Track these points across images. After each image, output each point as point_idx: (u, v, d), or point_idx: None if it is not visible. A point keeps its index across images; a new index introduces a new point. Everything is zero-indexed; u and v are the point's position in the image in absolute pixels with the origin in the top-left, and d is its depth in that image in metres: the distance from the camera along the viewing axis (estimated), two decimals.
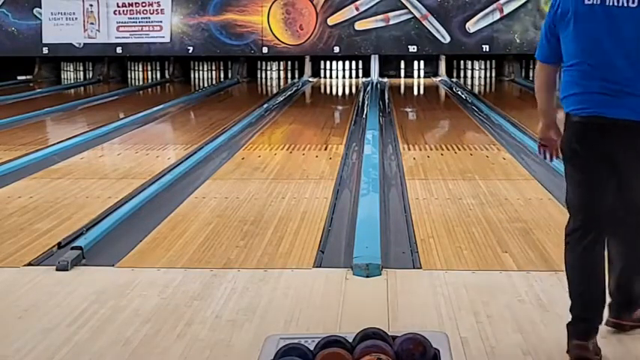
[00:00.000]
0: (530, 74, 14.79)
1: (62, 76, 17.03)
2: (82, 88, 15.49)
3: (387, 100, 12.36)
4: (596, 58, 2.83)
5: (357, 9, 15.26)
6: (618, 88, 2.79)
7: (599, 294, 2.91)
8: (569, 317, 2.90)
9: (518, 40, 14.79)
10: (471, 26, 15.05)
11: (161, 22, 15.79)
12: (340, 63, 16.13)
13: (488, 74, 15.95)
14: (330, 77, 16.16)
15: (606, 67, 2.81)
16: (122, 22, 15.89)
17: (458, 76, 15.96)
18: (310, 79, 15.82)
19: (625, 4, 2.77)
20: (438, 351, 2.23)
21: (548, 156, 3.13)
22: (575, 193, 2.92)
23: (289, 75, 16.40)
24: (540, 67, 3.07)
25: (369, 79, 15.33)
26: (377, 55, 15.57)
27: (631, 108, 2.78)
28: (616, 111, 2.79)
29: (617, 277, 3.02)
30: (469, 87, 14.70)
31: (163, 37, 15.83)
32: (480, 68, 15.99)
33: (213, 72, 16.80)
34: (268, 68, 16.47)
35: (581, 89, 2.87)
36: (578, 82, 2.88)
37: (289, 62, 16.43)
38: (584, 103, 2.86)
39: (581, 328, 2.88)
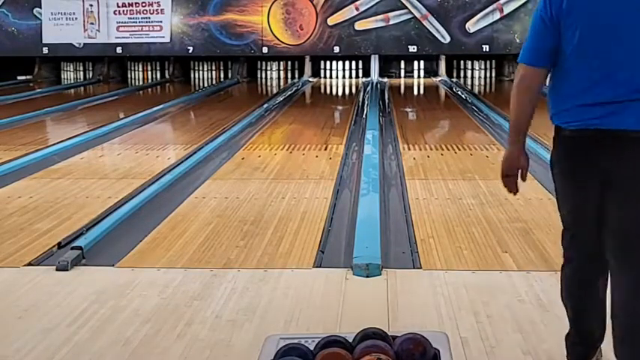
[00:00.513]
0: None
1: (62, 76, 17.04)
2: (82, 88, 15.49)
3: (387, 100, 12.36)
4: (601, 60, 2.47)
5: (357, 9, 15.26)
6: (623, 94, 2.44)
7: (598, 322, 2.70)
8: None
9: (518, 40, 14.78)
10: (471, 26, 15.05)
11: (161, 22, 15.79)
12: (340, 63, 16.14)
13: (488, 74, 15.95)
14: (330, 77, 16.16)
15: (613, 71, 2.45)
16: (122, 22, 15.89)
17: (458, 76, 15.97)
18: (310, 79, 15.82)
19: None
20: (438, 351, 2.23)
21: (514, 188, 2.76)
22: (567, 214, 2.65)
23: (289, 75, 16.41)
24: (528, 72, 2.58)
25: (369, 79, 15.33)
26: (377, 55, 15.57)
27: (637, 116, 2.44)
28: (620, 120, 2.44)
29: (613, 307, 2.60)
30: (469, 87, 14.70)
31: (163, 37, 15.83)
32: (480, 68, 16.00)
33: (213, 72, 16.80)
34: (268, 68, 16.47)
35: (582, 99, 2.50)
36: (577, 92, 2.51)
37: (289, 62, 16.44)
38: (580, 115, 2.51)
39: (579, 351, 2.75)
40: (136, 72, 16.89)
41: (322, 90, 15.29)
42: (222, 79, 16.49)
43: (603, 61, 2.47)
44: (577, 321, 2.75)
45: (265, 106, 11.57)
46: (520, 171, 2.74)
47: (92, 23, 15.98)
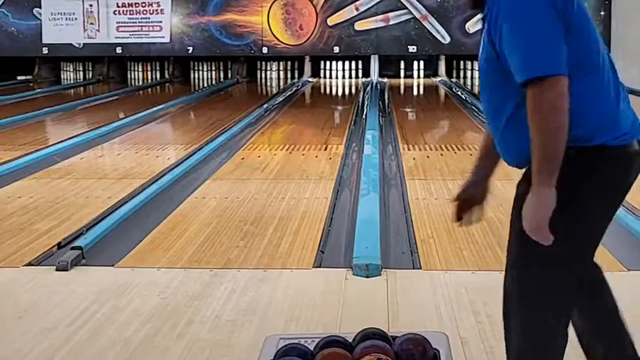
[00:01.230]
0: None
1: (62, 76, 17.05)
2: (82, 88, 15.50)
3: (386, 100, 12.36)
4: (605, 60, 2.08)
5: (356, 9, 15.27)
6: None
7: None
8: None
9: None
10: (471, 26, 15.05)
11: (161, 22, 15.80)
12: (340, 63, 16.15)
13: None
14: (330, 77, 16.17)
15: (615, 74, 2.12)
16: (122, 22, 15.90)
17: (458, 77, 15.97)
18: (310, 79, 15.83)
19: None
20: (438, 351, 2.23)
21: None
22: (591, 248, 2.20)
23: (289, 75, 16.42)
24: (565, 84, 1.91)
25: (368, 79, 15.34)
26: (377, 56, 15.58)
27: None
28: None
29: None
30: (469, 87, 14.70)
31: (163, 37, 15.84)
32: None
33: (213, 72, 16.81)
34: (268, 68, 16.48)
35: (611, 108, 2.05)
36: (602, 100, 2.04)
37: (289, 62, 16.45)
38: (621, 129, 2.05)
39: None
40: (136, 72, 16.90)
41: (322, 90, 15.30)
42: (222, 79, 16.50)
43: (608, 63, 2.10)
44: None
45: (265, 106, 11.57)
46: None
47: (92, 23, 15.99)
